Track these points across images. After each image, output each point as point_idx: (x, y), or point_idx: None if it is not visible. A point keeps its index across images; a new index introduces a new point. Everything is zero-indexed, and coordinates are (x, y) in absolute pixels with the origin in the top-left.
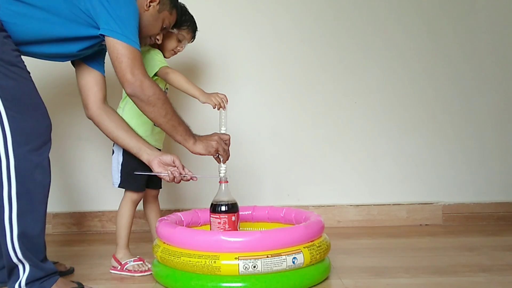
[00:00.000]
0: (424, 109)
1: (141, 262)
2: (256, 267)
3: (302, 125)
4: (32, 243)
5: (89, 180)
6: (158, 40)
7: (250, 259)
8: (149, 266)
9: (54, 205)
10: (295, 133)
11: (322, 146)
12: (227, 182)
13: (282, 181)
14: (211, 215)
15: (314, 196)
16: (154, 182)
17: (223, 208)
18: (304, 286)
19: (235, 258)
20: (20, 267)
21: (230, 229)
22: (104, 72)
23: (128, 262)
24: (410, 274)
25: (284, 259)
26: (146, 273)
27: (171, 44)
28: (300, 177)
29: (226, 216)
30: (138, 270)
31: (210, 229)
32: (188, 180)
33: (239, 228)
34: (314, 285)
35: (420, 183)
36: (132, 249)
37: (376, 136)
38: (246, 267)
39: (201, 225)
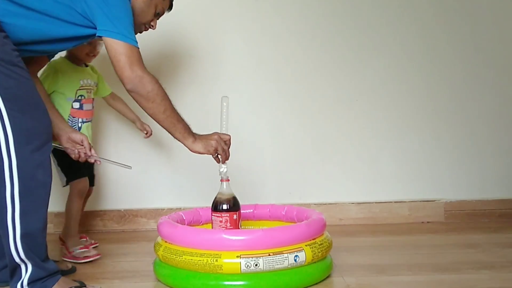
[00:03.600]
0: (426, 106)
1: (87, 249)
2: (258, 265)
3: (303, 123)
4: (35, 243)
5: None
6: (152, 26)
7: (252, 257)
8: (95, 252)
9: (55, 205)
10: (297, 131)
11: (323, 144)
12: (228, 180)
13: (284, 179)
14: (213, 214)
15: (315, 194)
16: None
17: (224, 207)
18: (306, 284)
19: (237, 257)
20: (23, 267)
21: (231, 227)
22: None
23: (74, 250)
24: (412, 272)
25: (286, 257)
26: (91, 259)
27: (83, 49)
28: (301, 175)
29: (228, 215)
30: (82, 256)
31: (212, 228)
32: (93, 162)
33: (240, 226)
34: (316, 283)
35: (421, 181)
36: (133, 247)
37: (378, 133)
38: (248, 265)
39: (202, 224)
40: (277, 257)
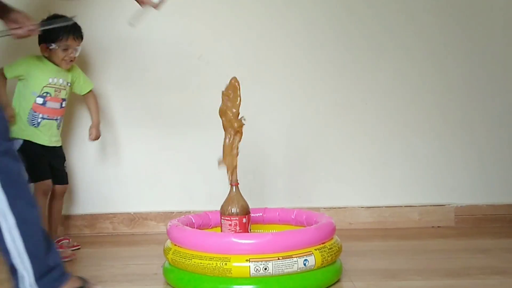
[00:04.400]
0: (436, 110)
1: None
2: (267, 269)
3: (313, 127)
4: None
5: (100, 182)
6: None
7: (261, 261)
8: (70, 252)
9: (66, 208)
10: (306, 135)
11: (333, 148)
12: (238, 184)
13: (293, 183)
14: (222, 217)
15: (325, 198)
16: (58, 177)
17: (234, 210)
18: None
19: (246, 260)
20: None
21: (241, 231)
22: None
23: None
24: (422, 277)
25: (295, 261)
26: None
27: (58, 55)
28: (311, 178)
29: (237, 218)
30: None
31: (221, 231)
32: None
33: (250, 230)
34: None
35: (432, 185)
36: (143, 250)
37: (388, 137)
38: (257, 269)
39: (212, 227)
40: (287, 261)
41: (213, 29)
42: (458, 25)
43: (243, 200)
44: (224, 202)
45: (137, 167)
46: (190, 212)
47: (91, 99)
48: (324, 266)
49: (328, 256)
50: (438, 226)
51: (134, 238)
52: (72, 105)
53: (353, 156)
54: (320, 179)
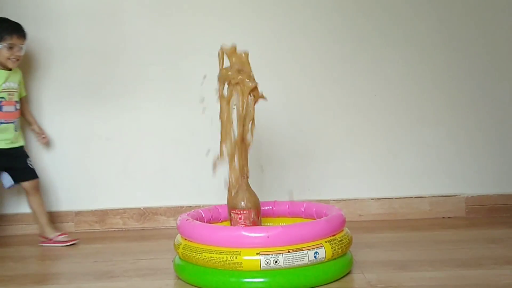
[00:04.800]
0: (445, 100)
1: None
2: (278, 262)
3: (322, 119)
4: None
5: (110, 178)
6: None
7: (272, 254)
8: None
9: (76, 203)
10: (315, 127)
11: (342, 140)
12: (247, 177)
13: (303, 175)
14: (232, 211)
15: (335, 190)
16: (24, 174)
17: (243, 204)
18: (326, 280)
19: (257, 254)
20: None
21: (251, 224)
22: None
23: None
24: (433, 267)
25: (305, 253)
26: None
27: (4, 55)
28: (320, 171)
29: (247, 212)
30: None
31: (231, 225)
32: None
33: (260, 223)
34: (336, 280)
35: (442, 175)
36: (153, 245)
37: (397, 128)
38: (267, 263)
39: (221, 221)
40: (297, 254)
41: (220, 23)
42: (465, 15)
43: (253, 194)
44: (234, 195)
45: (146, 162)
46: (199, 206)
47: (27, 104)
48: (335, 258)
49: (339, 248)
50: (449, 217)
51: (144, 233)
52: (86, 105)
53: (363, 147)
54: (329, 171)
